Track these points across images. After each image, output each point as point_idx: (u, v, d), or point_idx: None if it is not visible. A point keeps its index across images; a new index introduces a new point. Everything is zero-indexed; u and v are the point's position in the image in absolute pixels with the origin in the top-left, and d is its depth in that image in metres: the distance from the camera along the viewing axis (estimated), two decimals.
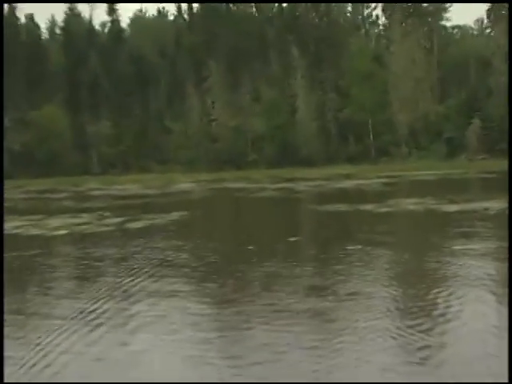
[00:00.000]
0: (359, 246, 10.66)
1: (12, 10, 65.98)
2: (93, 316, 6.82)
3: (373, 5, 74.69)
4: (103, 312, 6.99)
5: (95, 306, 7.30)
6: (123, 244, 12.46)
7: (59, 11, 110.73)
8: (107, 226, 15.84)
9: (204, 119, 66.51)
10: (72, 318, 6.73)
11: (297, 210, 20.49)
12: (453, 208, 16.14)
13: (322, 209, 18.43)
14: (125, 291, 7.98)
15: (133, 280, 8.53)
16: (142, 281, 8.45)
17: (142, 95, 67.34)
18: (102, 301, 7.48)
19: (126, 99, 65.73)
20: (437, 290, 7.26)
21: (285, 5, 68.68)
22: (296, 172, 48.21)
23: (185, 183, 40.98)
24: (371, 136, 60.30)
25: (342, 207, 18.28)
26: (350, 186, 30.87)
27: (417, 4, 61.05)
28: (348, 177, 39.07)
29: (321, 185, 32.24)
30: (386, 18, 64.77)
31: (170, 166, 60.20)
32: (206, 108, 66.02)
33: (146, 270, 9.28)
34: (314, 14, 65.28)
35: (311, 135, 61.29)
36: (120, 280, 8.65)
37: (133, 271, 9.21)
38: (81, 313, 6.94)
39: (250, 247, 11.26)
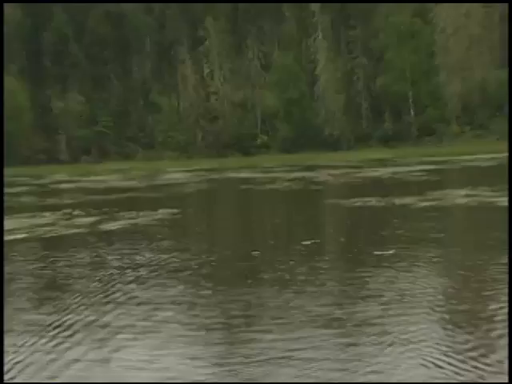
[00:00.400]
0: (392, 251, 10.65)
1: None
2: (66, 335, 6.88)
3: None
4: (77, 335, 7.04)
5: (66, 322, 7.41)
6: (94, 250, 12.52)
7: None
8: (76, 227, 15.93)
9: (201, 93, 66.72)
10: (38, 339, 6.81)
11: (316, 205, 20.48)
12: None
13: (348, 204, 18.41)
14: (98, 319, 7.99)
15: (107, 302, 8.52)
16: (117, 305, 8.37)
17: (122, 63, 67.56)
18: (73, 319, 7.52)
19: (101, 68, 65.95)
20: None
21: None
22: (317, 157, 48.16)
23: (176, 173, 41.03)
24: (412, 111, 60.23)
25: (373, 201, 18.24)
26: (385, 174, 30.81)
27: None
28: (382, 163, 38.98)
29: (348, 173, 32.26)
30: None
31: (158, 151, 60.58)
32: (203, 78, 66.22)
33: (121, 285, 9.31)
34: None
35: (336, 111, 61.40)
36: (91, 297, 8.68)
37: (107, 287, 9.23)
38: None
39: (255, 252, 11.29)
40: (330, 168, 37.08)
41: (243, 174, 36.58)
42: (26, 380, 5.86)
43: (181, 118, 65.13)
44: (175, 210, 18.96)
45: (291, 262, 10.33)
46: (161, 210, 18.73)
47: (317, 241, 12.57)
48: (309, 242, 12.15)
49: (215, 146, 60.83)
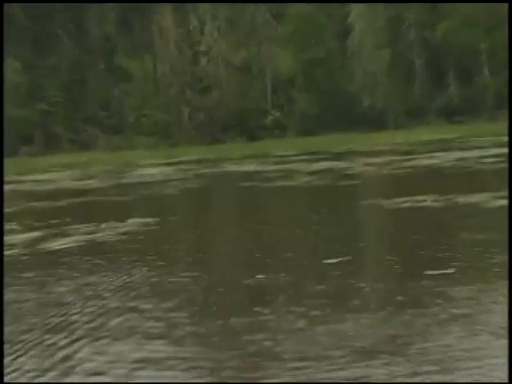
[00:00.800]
0: (452, 269, 10.66)
1: None
2: None
3: None
4: None
5: (28, 373, 7.49)
6: (36, 279, 12.58)
7: None
8: (10, 247, 16.02)
9: (187, 52, 66.68)
10: None
11: (347, 208, 20.63)
12: None
13: (393, 205, 18.50)
14: None
15: (77, 349, 8.61)
16: (90, 350, 8.44)
17: (75, 15, 67.72)
18: None
19: (45, 23, 66.13)
20: None
21: None
22: (351, 140, 48.09)
23: (154, 167, 41.19)
24: (487, 71, 59.97)
25: (427, 201, 18.37)
26: (447, 161, 31.02)
27: None
28: (444, 145, 38.91)
29: (394, 162, 32.35)
30: None
31: (128, 137, 60.61)
32: (190, 33, 66.11)
33: (88, 325, 9.37)
34: None
35: (378, 73, 61.21)
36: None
37: (70, 328, 9.30)
38: None
39: (260, 276, 11.34)
40: (370, 155, 37.07)
41: (247, 167, 36.63)
42: None
43: (159, 89, 65.26)
44: (151, 220, 19.07)
45: (308, 288, 10.36)
46: (131, 220, 18.87)
47: (346, 258, 12.60)
48: (335, 260, 12.19)
49: (208, 127, 60.96)
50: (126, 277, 12.14)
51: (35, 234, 17.59)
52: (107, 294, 11.01)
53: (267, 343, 8.16)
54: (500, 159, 29.14)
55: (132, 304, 10.34)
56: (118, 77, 65.18)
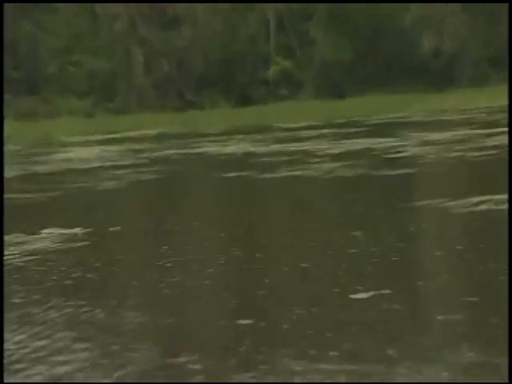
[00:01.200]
0: None
1: None
2: None
3: None
4: None
5: None
6: None
7: None
8: None
9: None
10: None
11: (390, 211, 20.79)
12: None
13: (460, 207, 19.04)
14: None
15: None
16: None
17: None
18: None
19: None
20: None
21: None
22: (400, 105, 48.99)
23: (86, 146, 42.73)
24: None
25: None
26: None
27: None
28: None
29: (466, 139, 33.21)
30: None
31: (47, 98, 61.37)
32: None
33: None
34: None
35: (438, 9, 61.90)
36: None
37: None
38: None
39: (247, 322, 11.43)
40: (430, 128, 37.47)
41: (235, 147, 37.12)
42: None
43: (97, 23, 65.80)
44: (78, 230, 19.44)
45: (320, 343, 10.43)
46: (47, 231, 19.30)
47: (384, 291, 12.70)
48: (366, 295, 12.28)
49: (174, 83, 61.47)
50: (41, 325, 12.19)
51: None
52: (15, 347, 11.11)
53: None
54: None
55: (60, 362, 10.46)
56: (34, 5, 65.85)
